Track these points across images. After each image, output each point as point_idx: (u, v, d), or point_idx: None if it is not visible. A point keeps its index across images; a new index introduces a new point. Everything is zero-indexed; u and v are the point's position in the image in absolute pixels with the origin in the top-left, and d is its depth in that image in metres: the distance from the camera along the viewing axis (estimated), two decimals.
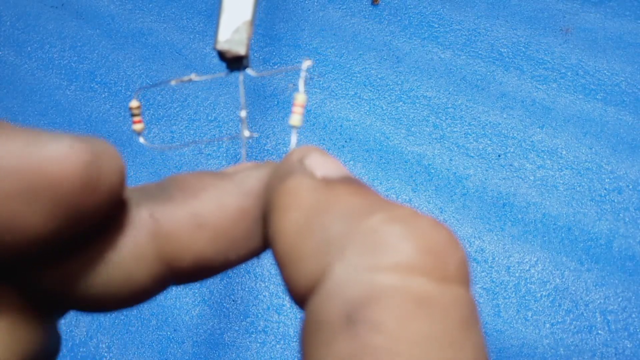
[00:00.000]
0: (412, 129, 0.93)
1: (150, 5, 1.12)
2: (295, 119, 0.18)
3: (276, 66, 1.01)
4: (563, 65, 0.95)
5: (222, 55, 0.18)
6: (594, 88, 0.92)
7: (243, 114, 0.18)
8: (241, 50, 0.17)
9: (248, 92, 0.99)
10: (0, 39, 1.12)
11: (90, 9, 1.13)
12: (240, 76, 0.19)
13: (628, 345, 0.75)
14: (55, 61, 1.08)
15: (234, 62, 0.18)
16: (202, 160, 0.94)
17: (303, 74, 0.18)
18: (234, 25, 0.17)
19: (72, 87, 1.05)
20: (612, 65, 0.93)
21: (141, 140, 0.19)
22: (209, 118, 0.99)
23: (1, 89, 1.07)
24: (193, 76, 0.19)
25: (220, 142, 0.96)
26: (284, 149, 0.94)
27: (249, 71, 0.18)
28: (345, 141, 0.93)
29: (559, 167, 0.87)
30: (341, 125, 0.94)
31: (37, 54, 1.09)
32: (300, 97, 0.18)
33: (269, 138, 0.95)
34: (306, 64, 0.18)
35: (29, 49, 1.10)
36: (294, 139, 0.18)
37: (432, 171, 0.89)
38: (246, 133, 0.19)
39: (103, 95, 1.04)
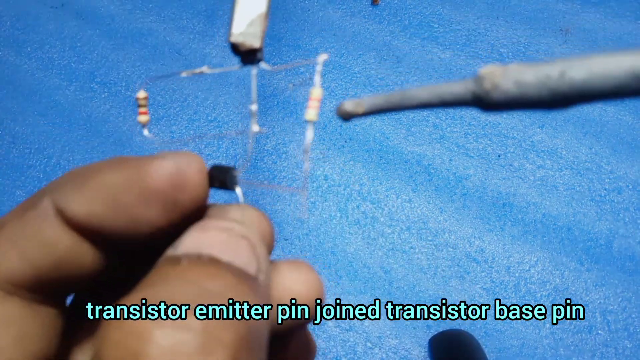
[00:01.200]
0: (412, 129, 0.93)
1: (150, 5, 1.12)
2: (311, 113, 0.17)
3: (276, 66, 1.01)
4: None
5: (235, 48, 0.17)
6: None
7: (254, 107, 0.18)
8: (255, 43, 0.17)
9: (247, 93, 0.99)
10: (0, 39, 1.12)
11: (90, 9, 1.13)
12: (253, 70, 0.18)
13: (628, 345, 0.75)
14: (55, 61, 1.08)
15: (248, 56, 0.17)
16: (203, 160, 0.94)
17: (319, 68, 0.17)
18: (249, 18, 0.17)
19: (72, 87, 1.05)
20: None
21: (145, 132, 0.19)
22: (209, 118, 0.99)
23: (1, 89, 1.07)
24: (205, 68, 0.19)
25: (221, 143, 0.96)
26: (284, 148, 0.94)
27: (262, 65, 0.18)
28: (345, 141, 0.93)
29: (559, 167, 0.87)
30: (341, 125, 0.94)
31: (37, 54, 1.09)
32: (316, 91, 0.17)
33: (269, 138, 0.95)
34: (322, 57, 0.17)
35: (28, 49, 1.10)
36: (309, 133, 0.18)
37: (432, 171, 0.89)
38: (255, 128, 0.18)
39: (103, 95, 1.04)
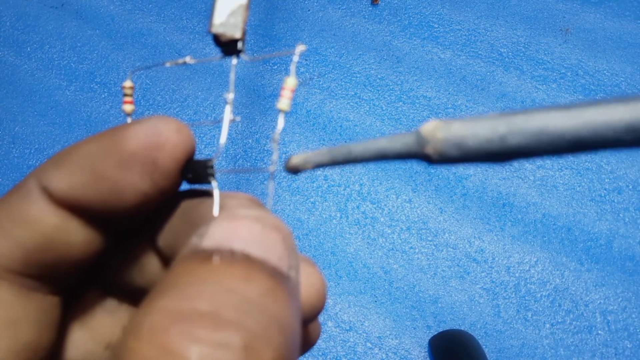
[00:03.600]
0: (412, 129, 0.93)
1: (150, 5, 1.12)
2: (284, 103, 0.17)
3: (276, 66, 1.01)
4: (563, 65, 0.95)
5: (217, 39, 0.17)
6: (593, 88, 0.92)
7: (230, 96, 0.18)
8: (237, 33, 0.17)
9: (247, 93, 0.99)
10: (0, 40, 1.12)
11: (90, 10, 1.13)
12: (233, 60, 0.18)
13: (628, 346, 0.75)
14: (55, 61, 1.08)
15: (229, 46, 0.17)
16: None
17: (295, 58, 0.17)
18: (230, 8, 0.17)
19: (72, 87, 1.05)
20: (612, 66, 0.93)
21: (129, 121, 0.18)
22: (209, 118, 0.99)
23: (1, 89, 1.07)
24: (188, 59, 0.19)
25: (219, 144, 0.96)
26: (284, 149, 0.94)
27: (243, 56, 0.18)
28: (345, 141, 0.92)
29: (559, 167, 0.87)
30: (341, 126, 0.94)
31: (37, 54, 1.09)
32: (290, 81, 0.17)
33: (269, 139, 0.95)
34: (299, 48, 0.17)
35: (28, 49, 1.10)
36: (280, 123, 0.17)
37: (432, 171, 0.89)
38: (230, 116, 0.18)
39: (103, 96, 1.04)
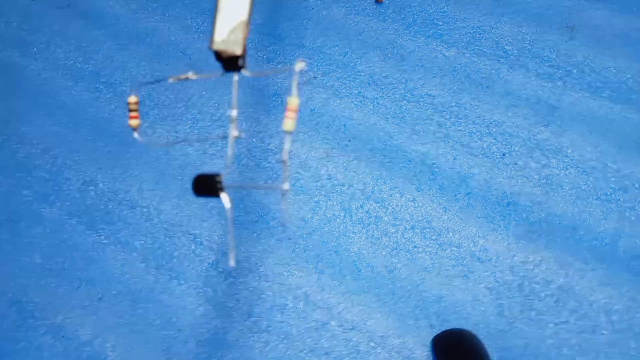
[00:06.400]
0: (416, 127, 0.93)
1: (155, 5, 1.12)
2: (289, 124, 0.17)
3: (280, 65, 1.01)
4: (569, 62, 0.94)
5: (218, 55, 0.17)
6: (600, 86, 0.91)
7: (234, 113, 0.18)
8: (237, 50, 0.17)
9: (251, 92, 0.99)
10: (7, 40, 1.13)
11: (96, 10, 1.13)
12: (234, 76, 0.18)
13: (633, 345, 0.74)
14: (60, 61, 1.09)
15: (230, 62, 0.17)
16: (207, 160, 0.95)
17: (296, 77, 0.17)
18: (230, 25, 0.17)
19: (78, 87, 1.06)
20: (619, 63, 0.92)
21: (135, 135, 0.19)
22: (213, 118, 0.99)
23: (8, 89, 1.07)
24: (190, 74, 0.19)
25: (224, 143, 0.96)
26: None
27: (244, 72, 0.18)
28: (349, 140, 0.92)
29: (564, 165, 0.86)
30: (345, 124, 0.94)
31: (43, 54, 1.10)
32: (293, 101, 0.17)
33: (273, 137, 0.95)
34: (299, 66, 0.17)
35: (34, 49, 1.11)
36: (287, 143, 0.18)
37: (436, 170, 0.88)
38: (234, 133, 0.18)
39: (108, 95, 1.04)
